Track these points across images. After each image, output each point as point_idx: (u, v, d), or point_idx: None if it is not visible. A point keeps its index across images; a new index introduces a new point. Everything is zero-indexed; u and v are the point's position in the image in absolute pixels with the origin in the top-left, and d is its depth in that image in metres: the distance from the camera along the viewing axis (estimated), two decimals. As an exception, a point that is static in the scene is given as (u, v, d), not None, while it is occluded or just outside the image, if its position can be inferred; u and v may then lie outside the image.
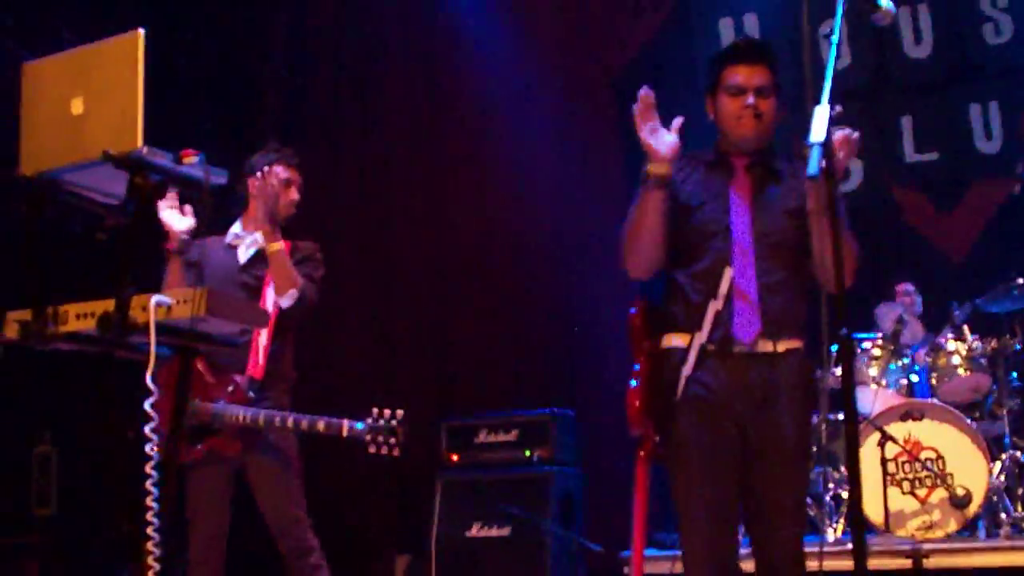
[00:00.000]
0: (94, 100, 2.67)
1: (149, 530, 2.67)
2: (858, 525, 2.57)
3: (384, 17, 7.74)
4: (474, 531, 5.87)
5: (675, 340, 3.12)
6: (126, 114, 2.60)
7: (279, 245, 4.06)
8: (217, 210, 3.78)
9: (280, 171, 4.22)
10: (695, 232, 3.13)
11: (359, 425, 3.76)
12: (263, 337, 4.05)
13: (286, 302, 4.02)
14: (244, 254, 4.22)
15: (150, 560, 2.69)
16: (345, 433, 3.77)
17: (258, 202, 4.16)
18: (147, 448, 2.66)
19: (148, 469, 2.66)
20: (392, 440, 3.73)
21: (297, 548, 4.05)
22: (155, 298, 2.60)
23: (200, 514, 4.09)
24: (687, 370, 3.05)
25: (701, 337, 3.06)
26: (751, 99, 3.14)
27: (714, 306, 3.06)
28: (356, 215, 7.57)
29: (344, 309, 7.31)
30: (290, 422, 3.85)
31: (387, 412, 3.76)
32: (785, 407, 3.03)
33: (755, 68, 3.17)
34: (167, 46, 7.11)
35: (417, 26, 7.65)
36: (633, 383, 3.07)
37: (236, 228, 4.27)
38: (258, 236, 4.17)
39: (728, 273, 3.06)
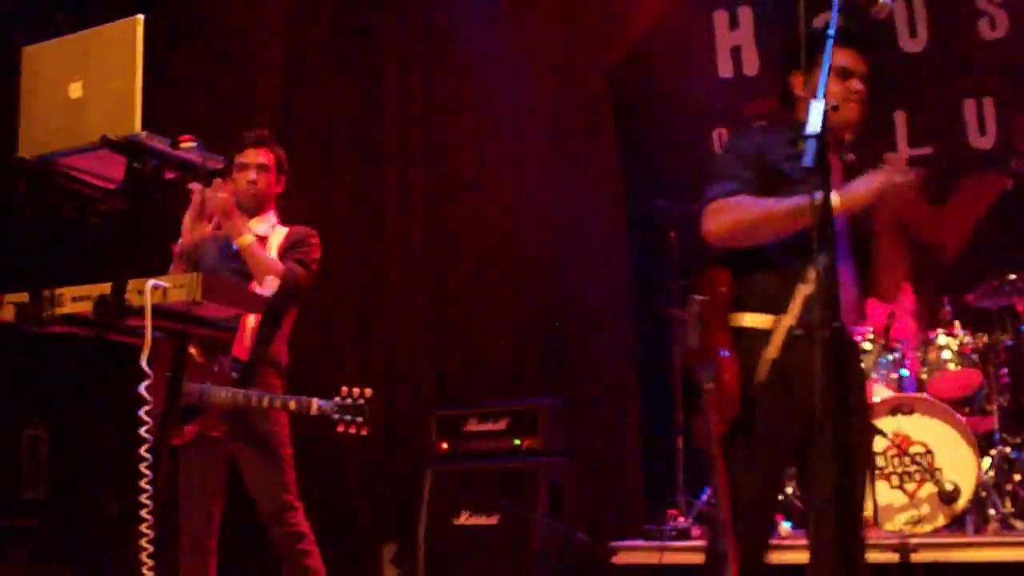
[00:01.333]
0: (92, 84, 2.68)
1: (143, 513, 2.68)
2: (842, 518, 2.60)
3: (382, 11, 7.74)
4: (462, 519, 5.88)
5: (755, 321, 3.05)
6: (124, 99, 2.61)
7: (247, 239, 4.04)
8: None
9: (238, 159, 4.24)
10: None
11: (327, 403, 3.75)
12: (251, 319, 4.06)
13: (265, 290, 3.99)
14: (235, 246, 4.22)
15: (143, 543, 2.70)
16: (314, 411, 3.75)
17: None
18: (141, 431, 2.67)
19: (142, 452, 2.67)
20: (360, 419, 3.71)
21: (288, 534, 4.07)
22: (151, 281, 2.61)
23: (191, 497, 4.11)
24: (772, 352, 2.99)
25: (789, 319, 3.00)
26: (859, 84, 3.11)
27: (803, 289, 2.99)
28: (351, 204, 7.58)
29: (339, 299, 7.33)
30: (265, 401, 3.85)
31: (355, 391, 3.74)
32: (858, 386, 3.11)
33: (861, 55, 3.14)
34: (167, 32, 7.11)
35: (414, 20, 7.65)
36: (725, 364, 2.97)
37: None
38: (251, 226, 4.20)
39: (821, 258, 2.96)
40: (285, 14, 7.84)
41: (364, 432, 3.72)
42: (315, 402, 3.77)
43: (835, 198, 2.81)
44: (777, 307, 3.01)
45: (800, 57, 3.13)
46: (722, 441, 2.93)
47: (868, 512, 5.03)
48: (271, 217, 4.30)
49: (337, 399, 3.74)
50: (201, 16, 7.71)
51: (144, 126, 2.62)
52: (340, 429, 3.73)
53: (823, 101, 2.50)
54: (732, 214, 3.05)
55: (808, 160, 2.41)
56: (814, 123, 2.45)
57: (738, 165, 3.11)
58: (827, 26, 2.75)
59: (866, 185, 2.92)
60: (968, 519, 5.20)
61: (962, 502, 5.10)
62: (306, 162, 7.53)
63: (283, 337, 4.27)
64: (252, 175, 4.20)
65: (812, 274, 2.91)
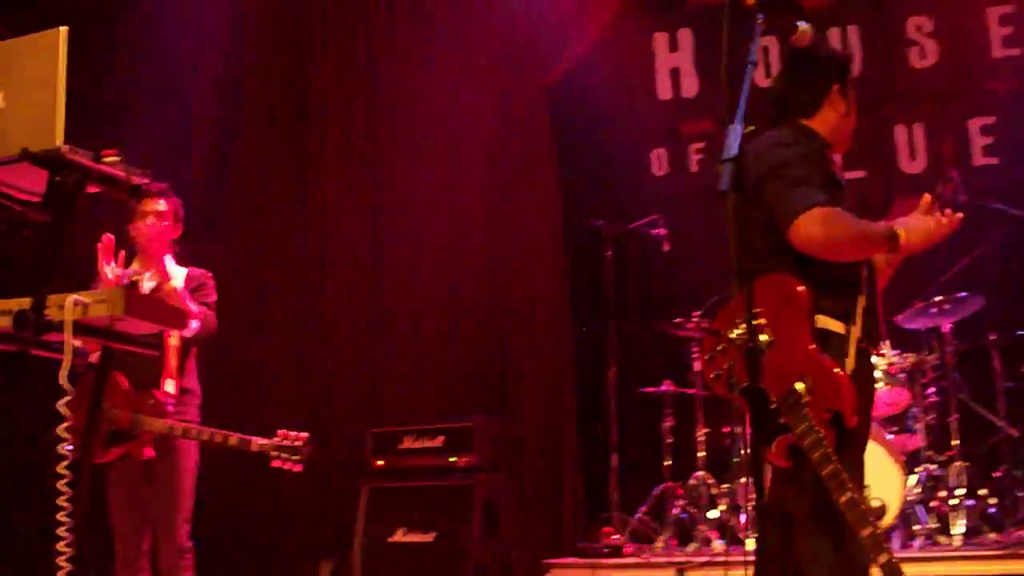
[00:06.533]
0: (14, 96, 2.65)
1: (60, 531, 2.65)
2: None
3: (326, 24, 7.75)
4: (398, 537, 5.87)
5: (831, 324, 2.91)
6: (46, 111, 2.59)
7: (170, 285, 4.35)
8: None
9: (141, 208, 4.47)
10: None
11: (267, 443, 4.14)
12: (172, 358, 4.34)
13: (188, 333, 4.27)
14: (146, 286, 4.44)
15: (61, 561, 2.67)
16: (254, 448, 4.13)
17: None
18: (59, 448, 2.64)
19: (60, 469, 2.64)
20: (296, 457, 4.12)
21: (176, 547, 4.27)
22: (72, 296, 2.58)
23: (121, 515, 4.32)
24: (850, 364, 2.87)
25: (856, 331, 2.92)
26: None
27: (862, 301, 2.97)
28: (290, 225, 7.55)
29: (277, 318, 7.31)
30: (206, 435, 4.18)
31: (292, 434, 4.15)
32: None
33: None
34: (99, 46, 7.03)
35: (356, 39, 7.66)
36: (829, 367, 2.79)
37: (135, 265, 4.50)
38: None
39: (864, 269, 3.03)
40: (221, 52, 7.81)
41: (297, 469, 4.14)
42: (256, 440, 4.13)
43: (903, 237, 2.94)
44: (844, 316, 2.93)
45: (839, 72, 3.18)
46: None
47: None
48: (170, 261, 4.51)
49: (276, 440, 4.13)
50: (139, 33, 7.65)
51: (67, 137, 2.60)
52: (275, 464, 4.15)
53: (741, 125, 2.54)
54: (841, 227, 2.89)
55: (724, 184, 2.44)
56: (731, 147, 2.48)
57: (814, 171, 2.98)
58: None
59: (926, 235, 3.01)
60: (894, 535, 5.27)
61: (889, 519, 5.18)
62: (244, 182, 7.52)
63: (194, 370, 4.56)
64: (151, 221, 4.46)
65: (866, 286, 3.00)
